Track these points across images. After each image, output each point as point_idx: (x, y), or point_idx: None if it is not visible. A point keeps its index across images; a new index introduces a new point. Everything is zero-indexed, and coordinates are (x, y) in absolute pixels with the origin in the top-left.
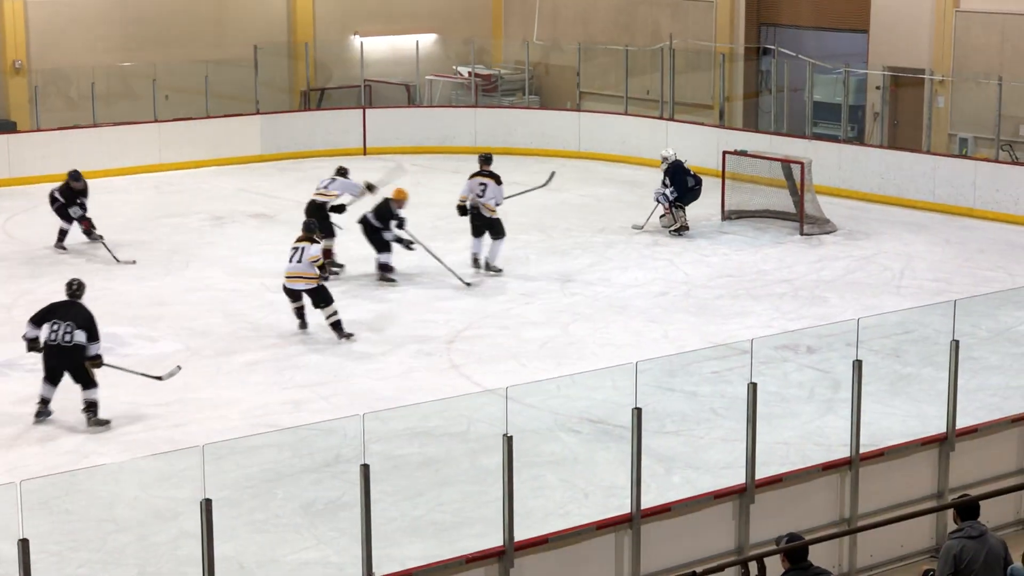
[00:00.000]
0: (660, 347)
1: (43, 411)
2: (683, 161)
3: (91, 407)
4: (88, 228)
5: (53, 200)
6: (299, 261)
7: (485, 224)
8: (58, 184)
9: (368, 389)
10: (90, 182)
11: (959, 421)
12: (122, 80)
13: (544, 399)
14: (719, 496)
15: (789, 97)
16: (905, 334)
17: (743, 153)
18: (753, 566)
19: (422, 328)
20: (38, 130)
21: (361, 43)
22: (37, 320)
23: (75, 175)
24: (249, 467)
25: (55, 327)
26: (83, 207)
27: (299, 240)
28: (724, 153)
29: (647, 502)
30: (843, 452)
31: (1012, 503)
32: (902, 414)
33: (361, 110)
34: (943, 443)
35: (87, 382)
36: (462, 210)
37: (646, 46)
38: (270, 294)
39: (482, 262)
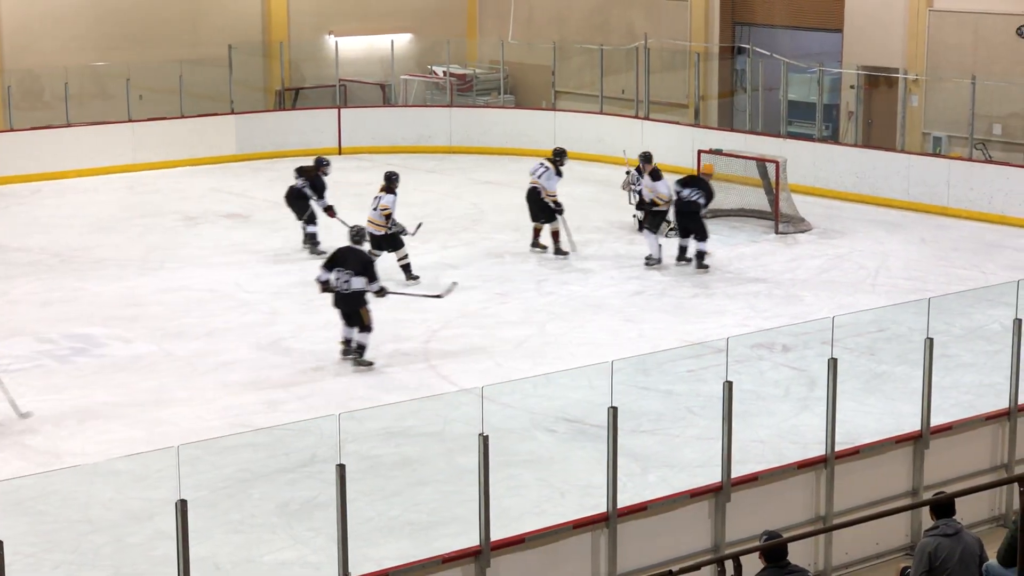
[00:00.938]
0: (636, 346)
1: (347, 350)
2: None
3: (360, 349)
4: (334, 214)
5: (297, 194)
6: (374, 209)
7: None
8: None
9: (344, 389)
10: (63, 182)
11: (933, 419)
12: (95, 80)
13: (520, 398)
14: (695, 495)
15: (764, 96)
16: (880, 332)
17: (718, 152)
18: (729, 565)
19: (398, 328)
20: (11, 130)
21: (336, 42)
22: (327, 266)
23: (326, 160)
24: (225, 467)
25: (339, 275)
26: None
27: (380, 190)
28: (699, 152)
29: (623, 501)
30: (819, 450)
31: (986, 500)
32: (877, 412)
33: (336, 110)
34: (918, 441)
35: (361, 326)
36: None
37: (621, 45)
38: (244, 294)
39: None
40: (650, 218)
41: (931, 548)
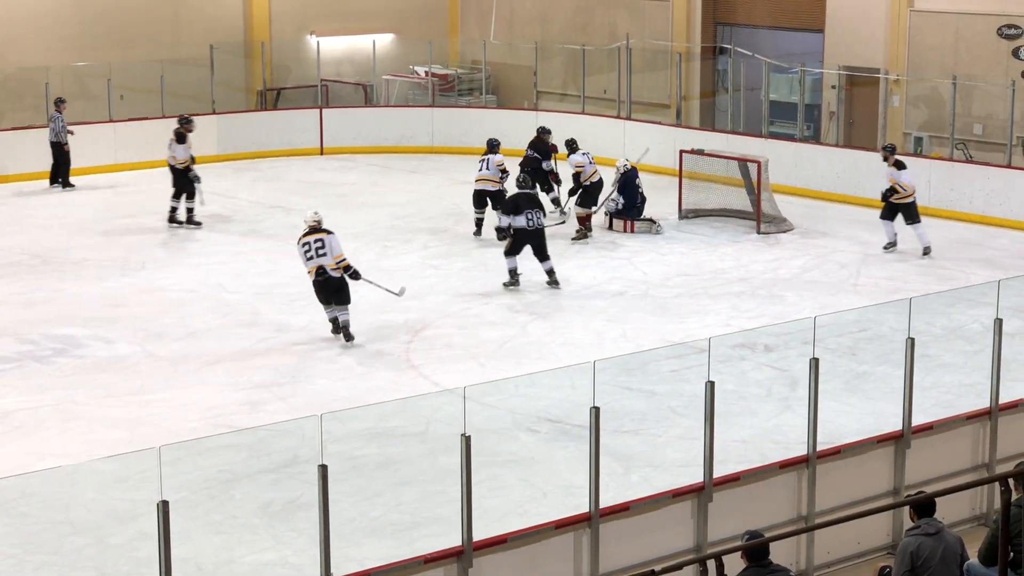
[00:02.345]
0: (618, 346)
1: (513, 281)
2: (636, 174)
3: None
4: (558, 179)
5: (528, 164)
6: (488, 168)
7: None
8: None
9: (326, 389)
10: (44, 182)
11: (914, 419)
12: (77, 80)
13: (502, 399)
14: (677, 495)
15: (746, 96)
16: (861, 332)
17: (700, 152)
18: (712, 564)
19: (380, 328)
20: None
21: (318, 43)
22: (511, 210)
23: (547, 129)
24: (206, 468)
25: (529, 216)
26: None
27: (484, 154)
28: (681, 152)
29: (605, 501)
30: (800, 450)
31: (968, 500)
32: (858, 412)
33: (318, 110)
34: (899, 440)
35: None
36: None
37: (603, 46)
38: (226, 295)
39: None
40: (886, 208)
41: (913, 548)
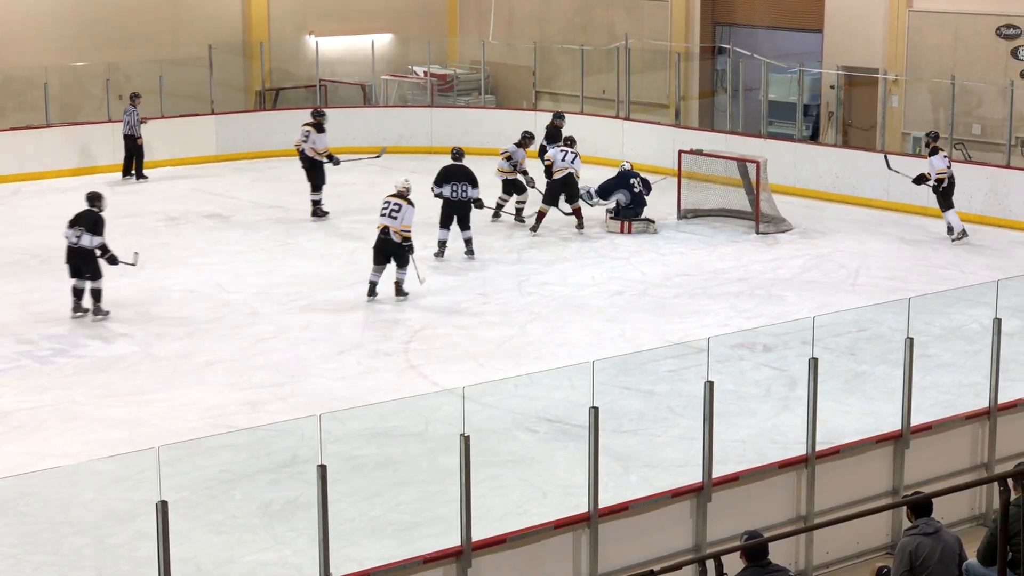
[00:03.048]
0: (617, 346)
1: (439, 252)
2: (633, 176)
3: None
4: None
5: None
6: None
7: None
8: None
9: (325, 389)
10: (43, 183)
11: (913, 418)
12: (76, 80)
13: (501, 399)
14: (676, 495)
15: (744, 96)
16: (860, 332)
17: (699, 152)
18: (711, 564)
19: (379, 328)
20: None
21: (316, 43)
22: (439, 180)
23: (558, 114)
24: (206, 468)
25: (454, 187)
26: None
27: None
28: (680, 152)
29: (605, 501)
30: (799, 450)
31: (967, 500)
32: (857, 412)
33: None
34: (898, 440)
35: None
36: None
37: (602, 46)
38: (226, 294)
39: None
40: (941, 196)
41: (911, 547)
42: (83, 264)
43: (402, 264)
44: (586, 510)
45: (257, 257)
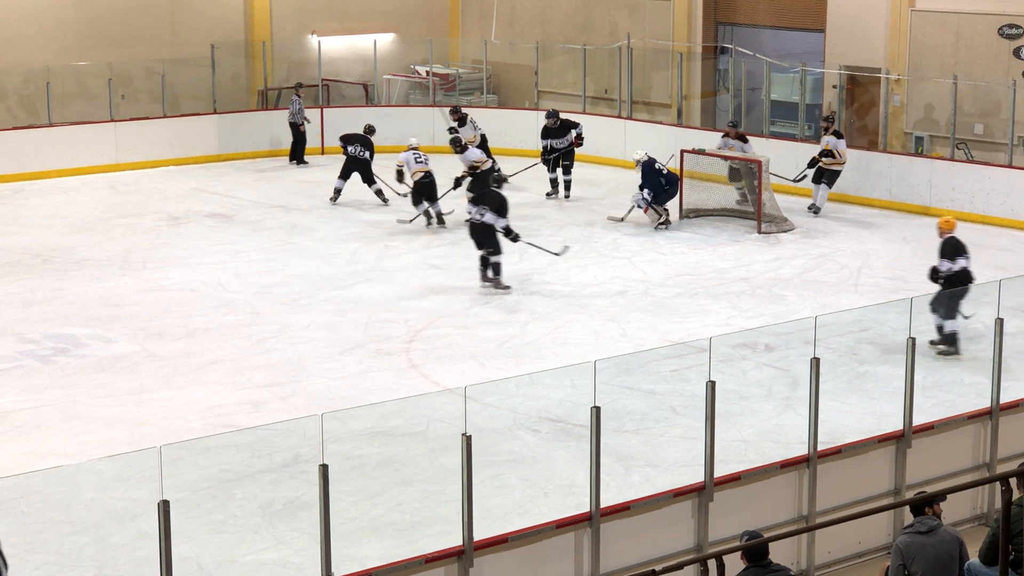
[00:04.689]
0: (618, 346)
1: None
2: (654, 160)
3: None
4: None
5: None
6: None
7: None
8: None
9: (326, 389)
10: (45, 182)
11: (915, 418)
12: (77, 80)
13: (503, 398)
14: (678, 494)
15: (746, 96)
16: (862, 332)
17: (701, 152)
18: (712, 564)
19: (381, 328)
20: None
21: (319, 42)
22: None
23: (550, 112)
24: (207, 468)
25: (354, 147)
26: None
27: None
28: (682, 152)
29: (606, 501)
30: (801, 450)
31: (969, 499)
32: (859, 411)
33: (319, 109)
34: (900, 440)
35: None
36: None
37: (604, 45)
38: (227, 294)
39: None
40: (817, 173)
41: (902, 546)
42: (483, 239)
43: (433, 199)
44: (587, 510)
45: (258, 256)
